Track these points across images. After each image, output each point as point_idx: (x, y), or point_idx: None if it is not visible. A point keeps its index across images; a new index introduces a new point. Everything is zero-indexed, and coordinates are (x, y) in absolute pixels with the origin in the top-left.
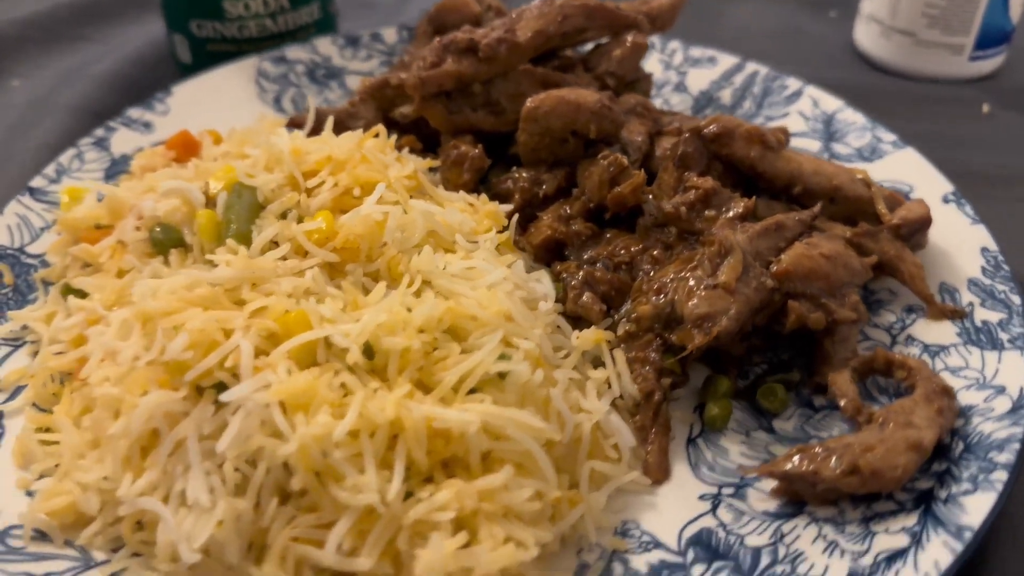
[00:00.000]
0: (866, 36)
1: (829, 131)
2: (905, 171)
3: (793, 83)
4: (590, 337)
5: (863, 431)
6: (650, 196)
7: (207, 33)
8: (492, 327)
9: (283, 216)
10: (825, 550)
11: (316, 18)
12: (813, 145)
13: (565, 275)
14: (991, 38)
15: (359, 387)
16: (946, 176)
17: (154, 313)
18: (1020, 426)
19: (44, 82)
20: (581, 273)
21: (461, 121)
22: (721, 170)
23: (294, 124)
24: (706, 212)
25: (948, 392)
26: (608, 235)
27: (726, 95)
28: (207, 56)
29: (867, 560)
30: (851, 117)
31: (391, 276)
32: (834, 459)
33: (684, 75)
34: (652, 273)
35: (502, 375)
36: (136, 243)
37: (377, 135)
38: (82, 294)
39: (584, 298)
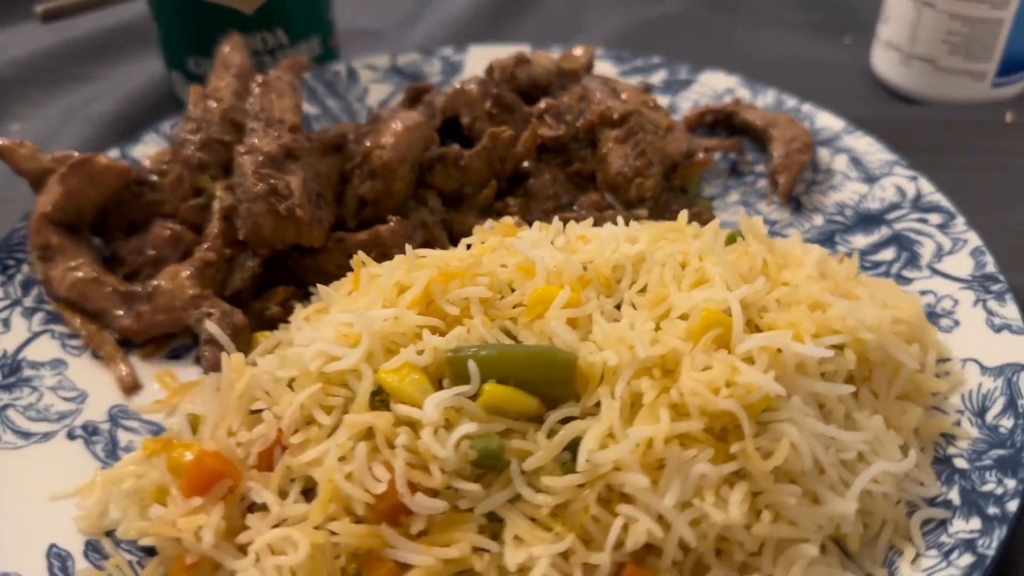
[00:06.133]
0: (884, 63)
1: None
2: None
3: (375, 65)
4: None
5: (772, 144)
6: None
7: (205, 71)
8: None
9: None
10: None
11: (317, 53)
12: None
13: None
14: (1014, 63)
15: None
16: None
17: None
18: None
19: (44, 124)
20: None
21: (327, 226)
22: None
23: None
24: (567, 118)
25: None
26: (531, 187)
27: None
28: None
29: None
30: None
31: None
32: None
33: None
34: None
35: None
36: None
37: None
38: None
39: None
